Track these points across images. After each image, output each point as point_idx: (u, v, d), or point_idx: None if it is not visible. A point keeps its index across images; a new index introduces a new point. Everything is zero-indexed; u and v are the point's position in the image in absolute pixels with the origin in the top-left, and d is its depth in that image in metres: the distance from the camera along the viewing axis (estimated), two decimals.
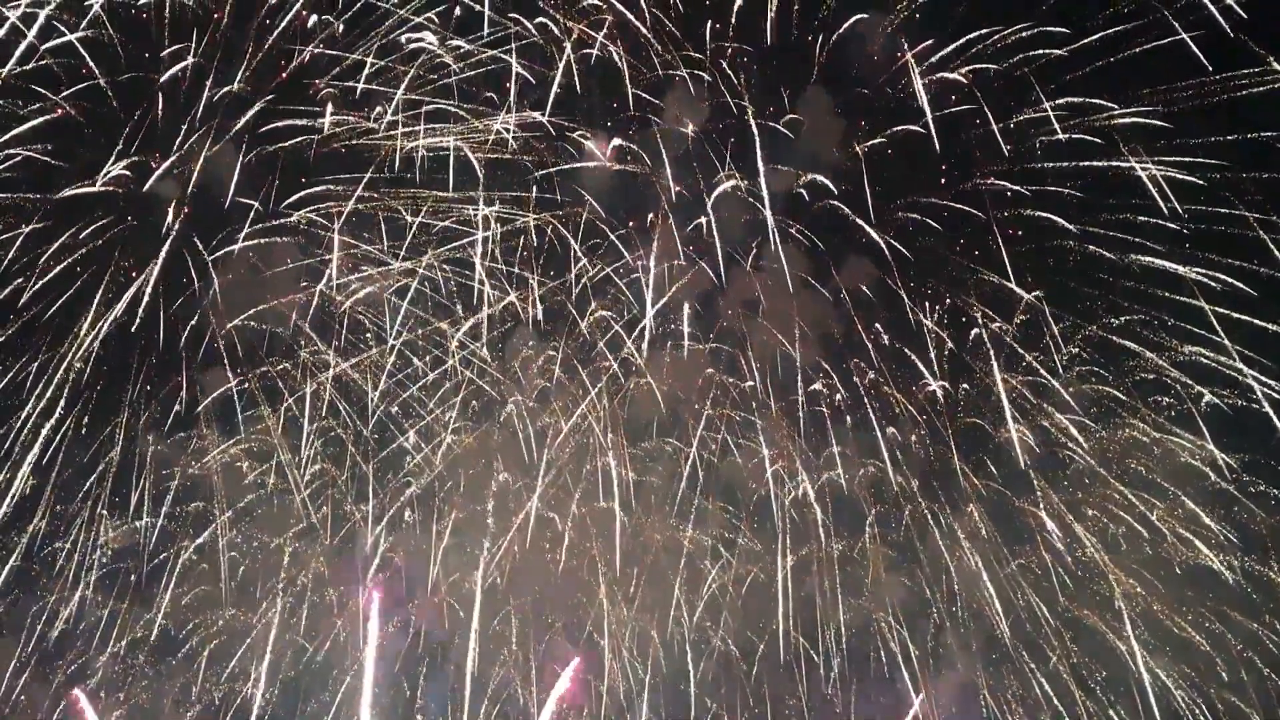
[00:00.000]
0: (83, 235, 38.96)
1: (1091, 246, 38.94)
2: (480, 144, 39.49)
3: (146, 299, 38.90)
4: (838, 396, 41.41)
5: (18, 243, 38.43)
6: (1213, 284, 37.45)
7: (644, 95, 39.90)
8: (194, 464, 41.48)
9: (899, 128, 38.88)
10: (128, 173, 38.68)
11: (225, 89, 38.29)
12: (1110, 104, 37.35)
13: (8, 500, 39.59)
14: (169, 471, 41.64)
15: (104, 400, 40.61)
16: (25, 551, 40.88)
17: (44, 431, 39.50)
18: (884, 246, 38.94)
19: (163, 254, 38.87)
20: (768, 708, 43.04)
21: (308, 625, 42.32)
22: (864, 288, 40.37)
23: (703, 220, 39.88)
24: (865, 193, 38.90)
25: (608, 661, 41.67)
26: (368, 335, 40.99)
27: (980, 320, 39.57)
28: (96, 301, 39.27)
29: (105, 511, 41.45)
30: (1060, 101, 37.42)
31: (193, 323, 39.76)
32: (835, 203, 39.99)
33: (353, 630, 41.85)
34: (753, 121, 39.81)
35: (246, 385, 40.84)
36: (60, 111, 38.10)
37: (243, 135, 38.96)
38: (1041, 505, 40.29)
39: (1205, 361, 38.65)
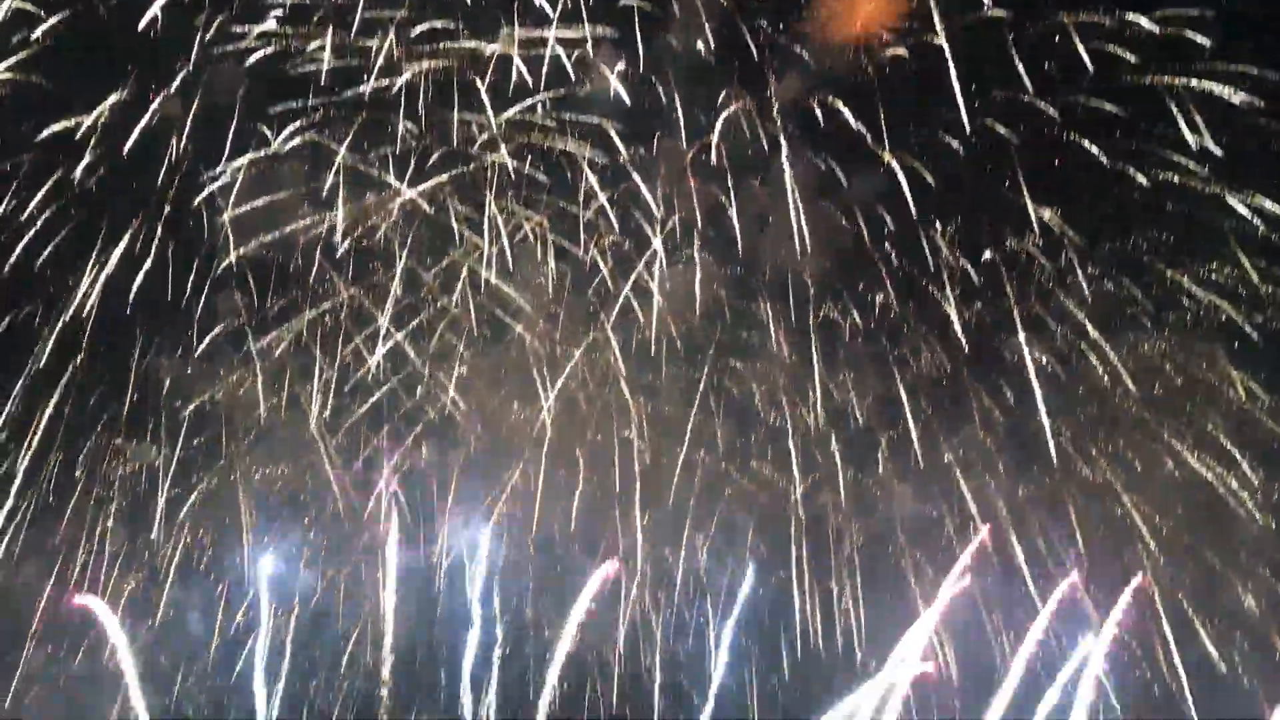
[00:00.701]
0: (83, 167, 38.65)
1: (1122, 164, 38.34)
2: (485, 63, 39.10)
3: (159, 234, 39.28)
4: (850, 319, 41.43)
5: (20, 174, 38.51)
6: (1242, 206, 37.03)
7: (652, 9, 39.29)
8: (210, 392, 41.95)
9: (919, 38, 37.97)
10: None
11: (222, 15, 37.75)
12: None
13: (32, 435, 40.41)
14: (182, 402, 41.93)
15: (116, 332, 40.81)
16: (46, 482, 41.56)
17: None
18: (897, 168, 38.43)
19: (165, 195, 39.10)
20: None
21: (327, 554, 43.33)
22: (881, 210, 39.96)
23: (712, 140, 39.62)
24: (879, 112, 38.30)
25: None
26: (376, 263, 41.07)
27: (997, 241, 39.19)
28: (102, 235, 39.54)
29: (121, 441, 42.21)
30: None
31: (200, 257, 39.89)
32: (849, 118, 39.33)
33: (373, 556, 42.66)
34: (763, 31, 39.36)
35: (259, 314, 41.22)
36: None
37: (244, 59, 38.61)
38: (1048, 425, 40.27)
39: (1227, 283, 38.45)
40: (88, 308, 39.65)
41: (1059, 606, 39.84)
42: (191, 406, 42.07)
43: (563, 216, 41.14)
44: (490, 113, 39.55)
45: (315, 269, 41.09)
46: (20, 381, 40.18)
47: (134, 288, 39.86)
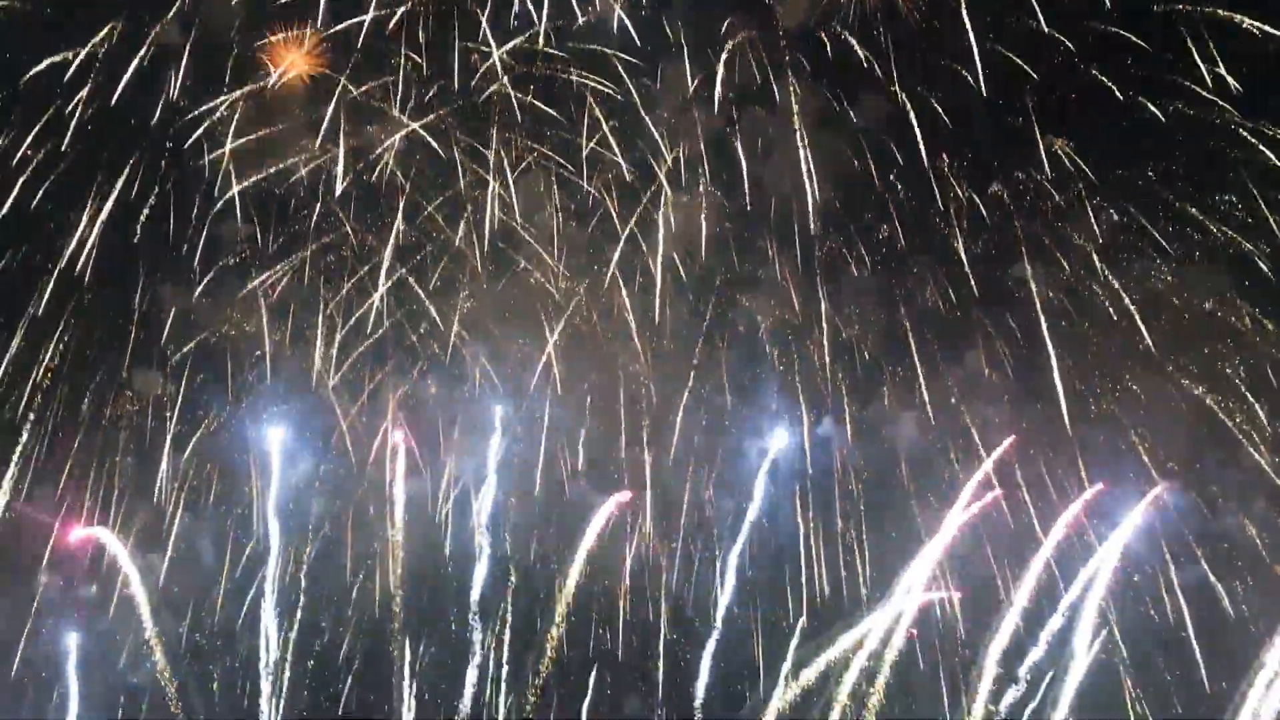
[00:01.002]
0: (79, 101, 38.17)
1: (1135, 94, 37.91)
2: None
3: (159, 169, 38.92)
4: (856, 252, 41.25)
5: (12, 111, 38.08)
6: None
7: None
8: (214, 328, 41.92)
9: None
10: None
11: None
12: None
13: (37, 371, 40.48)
14: (186, 339, 41.95)
15: (118, 267, 40.54)
16: (54, 418, 41.67)
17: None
18: (906, 101, 37.84)
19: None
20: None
21: (335, 488, 43.41)
22: (889, 143, 39.54)
23: (718, 72, 39.10)
24: (887, 42, 37.67)
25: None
26: (378, 196, 40.73)
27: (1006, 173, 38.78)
28: (101, 171, 39.12)
29: (127, 377, 42.25)
30: None
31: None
32: (856, 48, 38.80)
33: (380, 490, 42.83)
34: None
35: (261, 250, 41.02)
36: None
37: None
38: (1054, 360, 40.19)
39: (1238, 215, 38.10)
40: (88, 246, 39.51)
41: (1063, 537, 40.11)
42: (194, 342, 42.20)
43: (566, 147, 40.80)
44: (492, 43, 39.31)
45: (317, 203, 40.88)
46: (23, 321, 40.21)
47: (136, 224, 40.00)
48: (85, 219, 39.43)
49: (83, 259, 39.42)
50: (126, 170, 39.33)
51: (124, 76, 38.01)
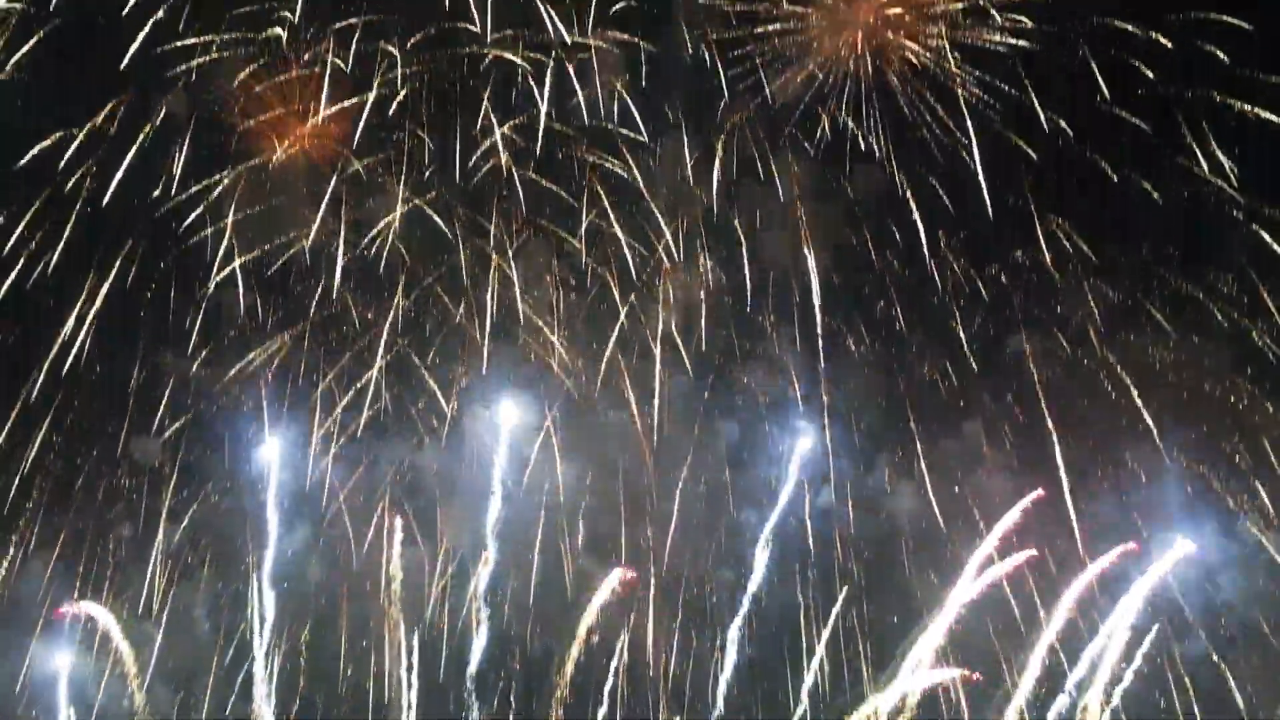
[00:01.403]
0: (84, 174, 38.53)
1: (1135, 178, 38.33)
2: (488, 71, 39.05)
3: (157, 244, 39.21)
4: (854, 326, 41.60)
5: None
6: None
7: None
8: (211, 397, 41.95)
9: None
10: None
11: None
12: None
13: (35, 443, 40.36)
14: (186, 404, 42.01)
15: (118, 337, 40.66)
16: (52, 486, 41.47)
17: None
18: (901, 180, 38.50)
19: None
20: None
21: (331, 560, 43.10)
22: (884, 216, 40.01)
23: (717, 153, 39.69)
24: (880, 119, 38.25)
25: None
26: (378, 270, 40.99)
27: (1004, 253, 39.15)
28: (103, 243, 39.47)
29: (125, 446, 42.01)
30: None
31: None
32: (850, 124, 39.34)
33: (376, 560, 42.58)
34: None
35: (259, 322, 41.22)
36: None
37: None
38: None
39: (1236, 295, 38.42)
40: (87, 321, 39.65)
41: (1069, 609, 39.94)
42: (191, 414, 42.18)
43: (567, 222, 41.18)
44: (494, 119, 39.74)
45: (317, 277, 41.13)
46: (21, 395, 40.10)
47: (135, 298, 40.24)
48: (84, 294, 39.65)
49: (83, 334, 39.65)
50: (126, 246, 39.68)
51: (127, 153, 38.54)
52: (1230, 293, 38.89)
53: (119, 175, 38.37)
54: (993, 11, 37.11)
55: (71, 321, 39.41)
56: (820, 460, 42.47)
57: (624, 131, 39.82)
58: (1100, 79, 36.86)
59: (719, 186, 40.54)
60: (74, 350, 39.51)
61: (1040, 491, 39.99)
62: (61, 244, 38.93)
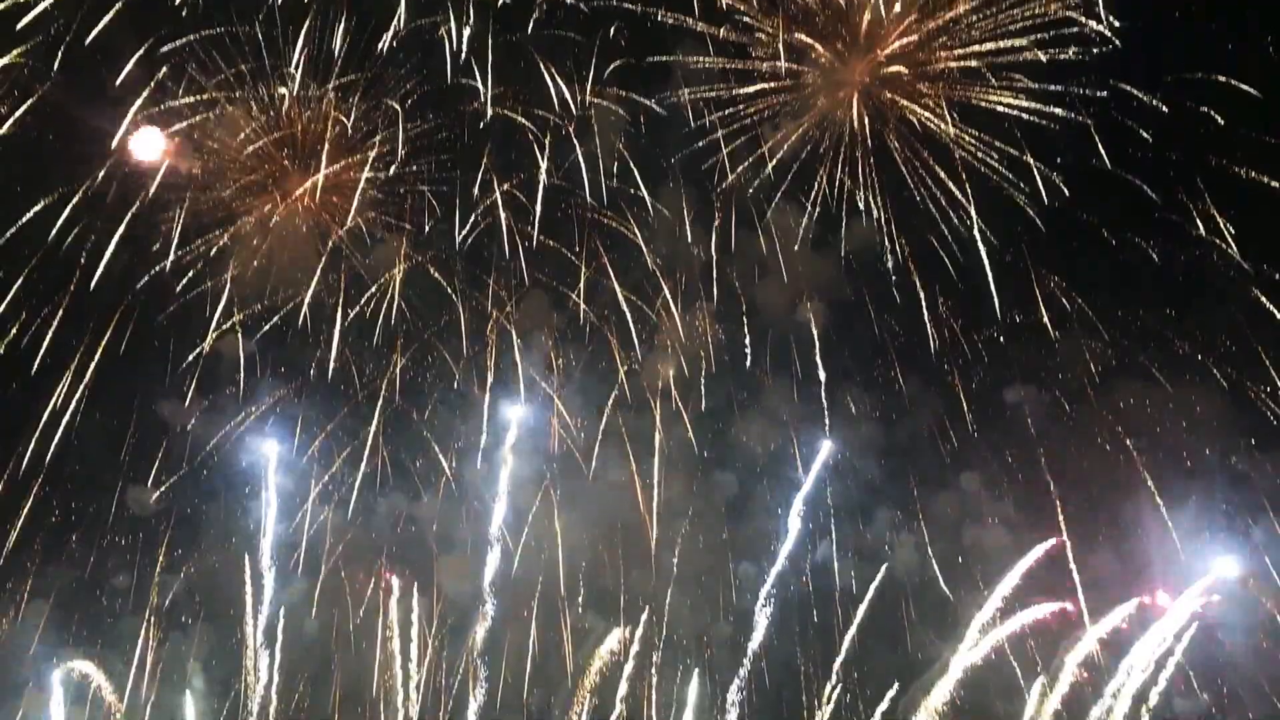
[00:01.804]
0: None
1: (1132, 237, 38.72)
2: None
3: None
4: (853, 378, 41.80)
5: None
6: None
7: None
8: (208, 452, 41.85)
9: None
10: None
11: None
12: None
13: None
14: (183, 455, 41.93)
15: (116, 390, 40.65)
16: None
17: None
18: (901, 244, 38.86)
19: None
20: None
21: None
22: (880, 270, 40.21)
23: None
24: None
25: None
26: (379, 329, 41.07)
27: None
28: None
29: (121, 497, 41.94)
30: None
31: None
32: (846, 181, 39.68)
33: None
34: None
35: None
36: None
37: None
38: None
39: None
40: (84, 381, 39.65)
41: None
42: (188, 466, 42.16)
43: (565, 275, 41.44)
44: (494, 176, 40.01)
45: (316, 330, 41.24)
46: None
47: (133, 352, 40.17)
48: (83, 347, 39.63)
49: (81, 386, 39.61)
50: (125, 300, 39.72)
51: (129, 209, 38.69)
52: (1228, 352, 39.08)
53: (119, 232, 38.56)
54: (988, 73, 37.56)
55: (70, 375, 39.42)
56: (820, 514, 42.57)
57: (623, 188, 40.30)
58: (1098, 140, 37.18)
59: (717, 242, 40.90)
60: (72, 402, 39.49)
61: (1055, 540, 39.88)
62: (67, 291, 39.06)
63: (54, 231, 38.14)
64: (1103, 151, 37.01)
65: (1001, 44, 37.21)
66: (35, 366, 39.05)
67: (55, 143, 38.44)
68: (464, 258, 40.68)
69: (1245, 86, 36.44)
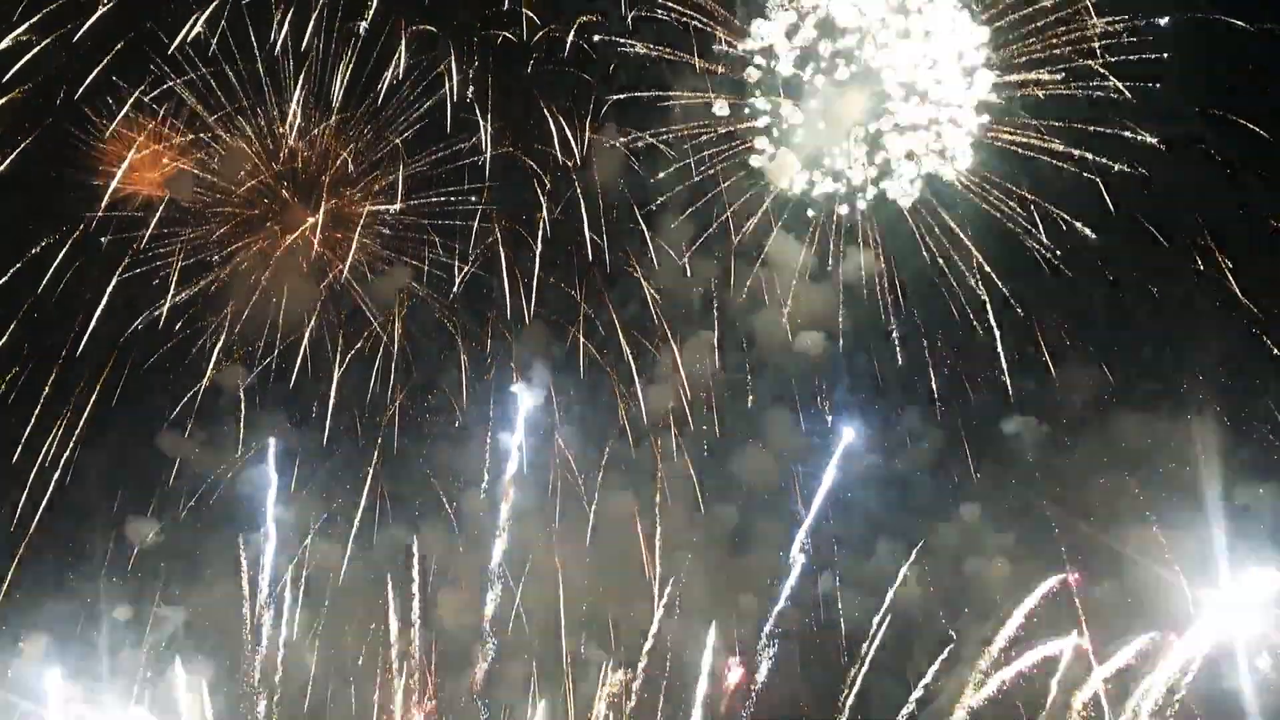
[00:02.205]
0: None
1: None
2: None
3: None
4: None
5: None
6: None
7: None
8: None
9: None
10: None
11: None
12: None
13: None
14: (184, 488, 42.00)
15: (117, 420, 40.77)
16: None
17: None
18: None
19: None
20: None
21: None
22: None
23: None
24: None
25: None
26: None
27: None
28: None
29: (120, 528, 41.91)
30: None
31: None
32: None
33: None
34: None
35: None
36: None
37: None
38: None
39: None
40: (87, 410, 39.73)
41: None
42: (194, 499, 42.11)
43: (565, 305, 41.76)
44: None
45: (317, 364, 41.38)
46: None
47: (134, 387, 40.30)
48: (81, 384, 39.77)
49: (81, 422, 39.66)
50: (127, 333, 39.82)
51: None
52: (1225, 382, 39.46)
53: (118, 271, 38.75)
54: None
55: (69, 412, 39.51)
56: (822, 545, 42.57)
57: (623, 222, 40.69)
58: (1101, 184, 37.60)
59: (718, 274, 41.38)
60: (74, 436, 39.64)
61: (1073, 576, 39.98)
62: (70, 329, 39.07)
63: (53, 268, 38.42)
64: (1106, 196, 37.60)
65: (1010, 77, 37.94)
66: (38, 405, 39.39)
67: (55, 181, 38.77)
68: (464, 293, 41.00)
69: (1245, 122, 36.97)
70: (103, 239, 38.61)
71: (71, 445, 39.43)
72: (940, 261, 39.07)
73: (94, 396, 39.57)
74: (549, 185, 39.58)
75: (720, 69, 39.10)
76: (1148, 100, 37.00)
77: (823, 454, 42.17)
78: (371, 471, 41.63)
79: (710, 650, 40.59)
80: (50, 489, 39.63)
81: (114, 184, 37.79)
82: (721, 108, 39.24)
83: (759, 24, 38.59)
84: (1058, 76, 37.42)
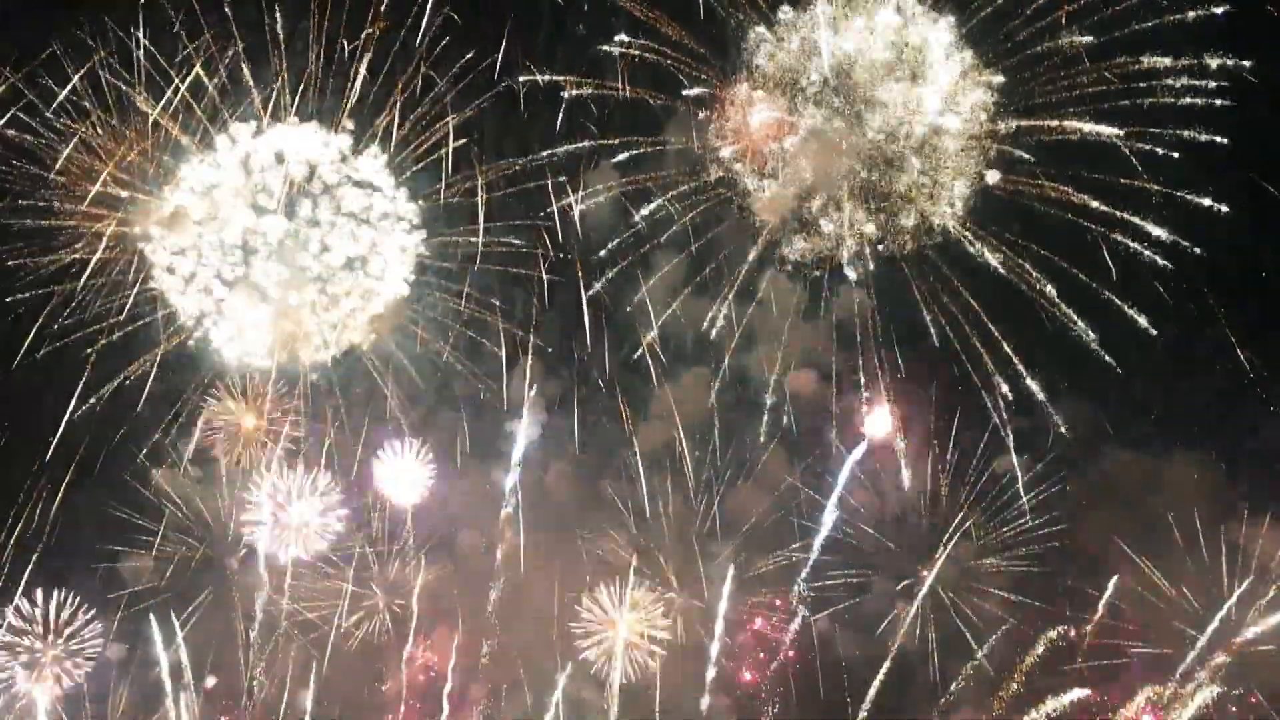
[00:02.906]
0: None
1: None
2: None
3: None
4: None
5: None
6: None
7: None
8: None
9: None
10: None
11: None
12: None
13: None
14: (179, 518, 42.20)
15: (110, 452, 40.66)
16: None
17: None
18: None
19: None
20: None
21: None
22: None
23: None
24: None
25: None
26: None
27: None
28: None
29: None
30: None
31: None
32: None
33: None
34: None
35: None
36: None
37: None
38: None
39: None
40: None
41: None
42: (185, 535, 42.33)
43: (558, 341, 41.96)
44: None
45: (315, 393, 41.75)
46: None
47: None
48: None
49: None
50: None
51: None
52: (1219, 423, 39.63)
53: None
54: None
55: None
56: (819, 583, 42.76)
57: (619, 262, 40.96)
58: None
59: (712, 312, 41.43)
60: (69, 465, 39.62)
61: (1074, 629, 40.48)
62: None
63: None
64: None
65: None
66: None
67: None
68: (464, 330, 41.27)
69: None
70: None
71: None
72: (934, 307, 39.66)
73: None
74: (543, 230, 40.17)
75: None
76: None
77: (820, 492, 42.51)
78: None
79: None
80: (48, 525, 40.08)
81: None
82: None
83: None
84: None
